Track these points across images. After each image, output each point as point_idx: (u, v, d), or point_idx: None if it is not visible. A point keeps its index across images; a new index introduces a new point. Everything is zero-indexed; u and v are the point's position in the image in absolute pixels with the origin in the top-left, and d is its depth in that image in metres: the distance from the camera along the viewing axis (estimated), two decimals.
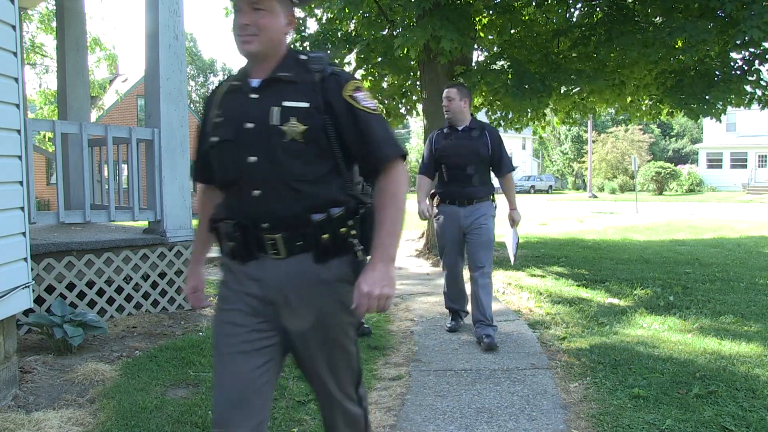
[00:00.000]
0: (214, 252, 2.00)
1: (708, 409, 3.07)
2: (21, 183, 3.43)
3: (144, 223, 5.65)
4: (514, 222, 4.65)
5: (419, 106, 10.34)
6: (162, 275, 5.18)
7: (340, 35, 9.42)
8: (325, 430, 1.98)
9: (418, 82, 9.79)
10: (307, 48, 9.60)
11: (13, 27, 3.36)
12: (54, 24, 9.92)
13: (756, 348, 4.13)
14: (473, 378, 3.74)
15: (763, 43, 7.44)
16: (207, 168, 1.88)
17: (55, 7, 8.01)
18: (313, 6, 9.57)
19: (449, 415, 3.17)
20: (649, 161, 41.09)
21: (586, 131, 42.37)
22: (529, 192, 41.44)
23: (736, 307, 5.49)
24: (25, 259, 3.46)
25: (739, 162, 40.13)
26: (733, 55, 8.09)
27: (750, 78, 7.85)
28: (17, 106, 3.40)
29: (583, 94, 9.04)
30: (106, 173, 5.94)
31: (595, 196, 35.92)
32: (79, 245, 4.67)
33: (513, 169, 4.63)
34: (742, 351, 4.06)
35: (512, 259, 5.04)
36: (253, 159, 1.69)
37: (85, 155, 5.05)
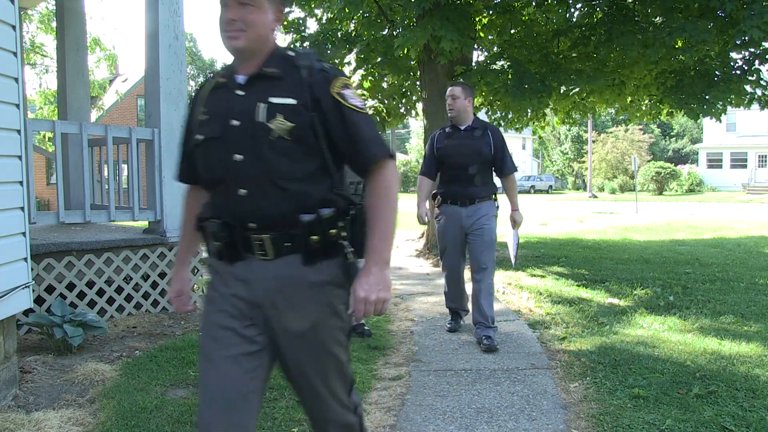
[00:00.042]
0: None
1: (708, 409, 3.07)
2: (21, 183, 3.43)
3: (144, 223, 5.65)
4: (515, 223, 4.60)
5: (419, 106, 10.35)
6: (162, 275, 5.18)
7: (340, 35, 9.42)
8: None
9: (418, 82, 9.79)
10: (307, 48, 9.60)
11: (13, 27, 3.36)
12: (54, 24, 9.92)
13: (756, 348, 4.13)
14: (473, 378, 3.74)
15: (763, 43, 7.44)
16: (192, 167, 1.83)
17: (55, 7, 8.01)
18: (313, 6, 9.58)
19: (449, 415, 3.17)
20: (649, 161, 41.09)
21: (586, 131, 42.37)
22: (529, 192, 41.43)
23: (736, 307, 5.49)
24: (25, 259, 3.46)
25: (739, 162, 40.13)
26: (733, 55, 8.09)
27: (750, 78, 7.86)
28: (17, 106, 3.40)
29: (582, 94, 9.03)
30: (106, 173, 5.94)
31: (595, 196, 35.92)
32: (79, 245, 4.67)
33: (516, 169, 4.59)
34: (742, 351, 4.06)
35: (513, 260, 5.04)
36: (239, 157, 1.65)
37: (85, 155, 5.05)
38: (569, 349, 4.23)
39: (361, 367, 3.94)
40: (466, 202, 4.39)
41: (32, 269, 3.95)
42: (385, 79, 10.15)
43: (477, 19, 8.72)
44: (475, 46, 8.85)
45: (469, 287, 4.63)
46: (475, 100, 9.18)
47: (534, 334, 4.71)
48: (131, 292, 4.99)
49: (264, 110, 1.64)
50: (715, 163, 41.34)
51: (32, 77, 30.54)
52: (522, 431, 2.97)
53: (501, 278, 6.96)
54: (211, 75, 1.85)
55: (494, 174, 4.53)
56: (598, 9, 8.33)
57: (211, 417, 1.68)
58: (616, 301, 5.81)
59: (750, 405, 3.10)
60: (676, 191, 37.70)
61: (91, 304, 4.69)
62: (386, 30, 8.95)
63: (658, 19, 8.14)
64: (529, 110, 8.93)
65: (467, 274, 4.67)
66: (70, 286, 4.60)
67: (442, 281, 4.86)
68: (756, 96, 8.08)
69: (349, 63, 9.96)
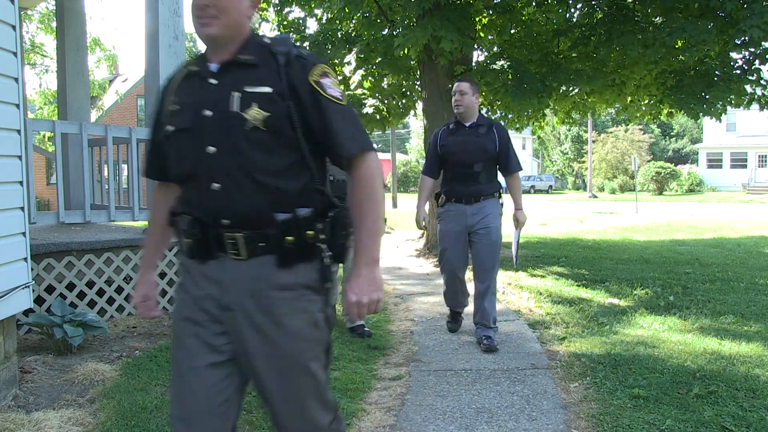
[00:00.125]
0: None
1: (708, 409, 3.06)
2: (21, 183, 3.42)
3: (144, 223, 5.65)
4: (518, 222, 4.50)
5: (419, 106, 10.35)
6: (162, 275, 5.18)
7: (340, 35, 9.42)
8: None
9: (418, 82, 9.79)
10: (307, 49, 9.59)
11: (13, 27, 3.36)
12: (54, 24, 9.92)
13: (756, 348, 4.13)
14: (473, 378, 3.74)
15: (763, 43, 7.44)
16: (161, 162, 1.72)
17: (55, 7, 8.01)
18: (313, 6, 9.59)
19: (449, 415, 3.17)
20: (649, 161, 41.10)
21: (586, 131, 42.38)
22: (529, 192, 41.41)
23: (736, 307, 5.49)
24: (25, 259, 3.46)
25: (739, 162, 40.13)
26: (733, 55, 8.10)
27: (750, 78, 7.86)
28: (17, 106, 3.40)
29: (582, 94, 9.04)
30: (106, 173, 5.94)
31: (595, 196, 35.93)
32: (79, 245, 4.67)
33: (520, 168, 4.50)
34: (742, 351, 4.06)
35: (515, 259, 5.02)
36: (212, 149, 1.56)
37: (85, 155, 5.05)
38: (569, 349, 4.23)
39: (361, 367, 3.94)
40: (471, 200, 4.29)
41: (32, 269, 3.95)
42: (385, 79, 10.16)
43: (477, 19, 8.72)
44: (475, 46, 8.86)
45: (469, 286, 4.61)
46: None
47: (534, 334, 4.71)
48: (131, 292, 4.99)
49: (238, 99, 1.55)
50: (715, 163, 41.34)
51: (32, 77, 30.58)
52: (522, 431, 2.97)
53: (501, 278, 6.96)
54: (183, 63, 1.75)
55: (498, 172, 4.45)
56: (598, 9, 8.34)
57: (182, 431, 1.63)
58: (616, 301, 5.81)
59: (750, 405, 3.10)
60: (676, 191, 37.70)
61: (91, 304, 4.69)
62: (386, 30, 8.95)
63: (658, 19, 8.15)
64: (529, 110, 8.93)
65: (467, 274, 4.62)
66: (70, 286, 4.60)
67: (442, 281, 4.72)
68: (756, 96, 8.09)
69: (349, 63, 9.97)
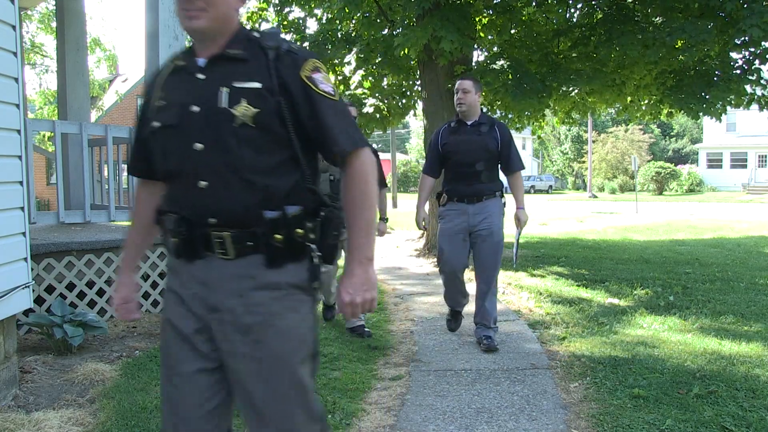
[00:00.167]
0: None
1: (708, 409, 3.06)
2: (21, 183, 3.43)
3: None
4: (519, 221, 4.38)
5: (419, 106, 10.35)
6: (162, 275, 5.18)
7: (340, 35, 9.43)
8: None
9: (418, 82, 9.79)
10: (307, 49, 9.59)
11: (13, 27, 3.36)
12: (54, 24, 9.92)
13: (756, 348, 4.13)
14: (473, 378, 3.74)
15: (763, 43, 7.45)
16: (146, 158, 1.68)
17: (55, 7, 8.01)
18: (313, 6, 9.59)
19: (449, 415, 3.17)
20: (649, 161, 41.10)
21: (586, 131, 42.38)
22: (529, 192, 41.41)
23: (736, 307, 5.49)
24: (25, 259, 3.46)
25: (739, 162, 40.13)
26: (733, 55, 8.10)
27: (750, 78, 7.86)
28: (17, 106, 3.40)
29: (582, 94, 9.05)
30: (106, 173, 5.94)
31: (595, 196, 35.93)
32: (79, 245, 4.67)
33: (523, 167, 4.43)
34: (742, 351, 4.06)
35: (515, 259, 5.00)
36: (199, 146, 1.52)
37: (85, 155, 5.05)
38: (569, 349, 4.23)
39: (361, 367, 3.94)
40: (473, 199, 4.22)
41: (32, 269, 3.95)
42: (385, 79, 10.16)
43: (477, 19, 8.72)
44: (475, 46, 8.86)
45: (469, 286, 4.58)
46: None
47: (534, 334, 4.71)
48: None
49: (226, 95, 1.51)
50: (715, 163, 41.34)
51: (32, 77, 30.59)
52: (522, 431, 2.97)
53: (501, 278, 6.95)
54: (170, 58, 1.70)
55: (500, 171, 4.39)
56: (598, 9, 8.34)
57: None
58: (616, 301, 5.81)
59: (750, 405, 3.10)
60: (676, 191, 37.70)
61: (91, 304, 4.69)
62: (386, 30, 8.95)
63: (658, 19, 8.15)
64: (529, 111, 8.93)
65: (468, 274, 4.59)
66: (70, 286, 4.60)
67: (441, 281, 4.63)
68: (755, 97, 8.09)
69: (349, 63, 9.97)
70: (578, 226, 15.59)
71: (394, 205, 24.73)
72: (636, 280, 6.83)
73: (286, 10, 9.88)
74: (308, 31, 9.88)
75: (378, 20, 8.88)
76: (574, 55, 8.48)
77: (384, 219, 4.92)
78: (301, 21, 9.99)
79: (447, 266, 4.34)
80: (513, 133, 7.11)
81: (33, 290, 3.82)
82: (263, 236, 1.52)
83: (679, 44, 7.54)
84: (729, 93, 7.84)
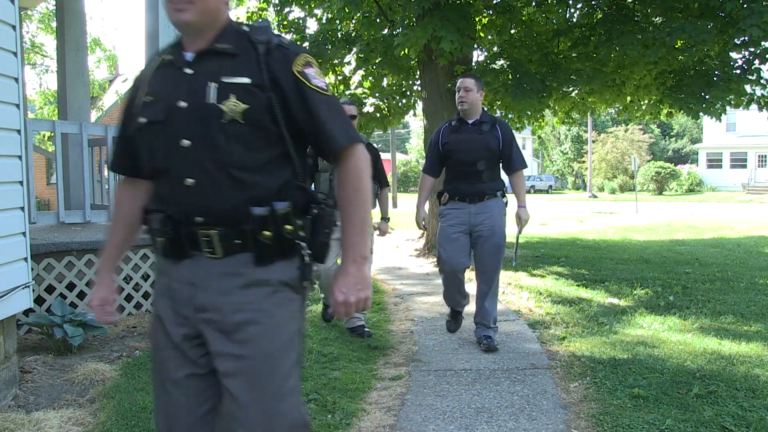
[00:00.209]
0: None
1: (708, 409, 3.07)
2: (21, 183, 3.43)
3: None
4: (521, 220, 4.30)
5: (419, 106, 10.35)
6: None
7: (340, 35, 9.43)
8: None
9: (418, 82, 9.79)
10: (307, 49, 9.59)
11: (13, 27, 3.36)
12: (54, 24, 9.93)
13: (756, 348, 4.13)
14: (473, 378, 3.74)
15: (763, 42, 7.45)
16: (131, 156, 1.63)
17: (55, 7, 8.01)
18: (313, 6, 9.59)
19: (449, 415, 3.17)
20: (649, 161, 41.09)
21: (586, 131, 42.38)
22: (529, 192, 41.37)
23: (736, 307, 5.49)
24: (25, 259, 3.46)
25: (739, 162, 40.13)
26: (733, 54, 8.10)
27: (750, 77, 7.86)
28: (17, 106, 3.40)
29: (582, 94, 9.05)
30: (106, 173, 5.95)
31: (595, 196, 35.93)
32: (79, 245, 4.67)
33: (525, 165, 4.37)
34: (742, 351, 4.06)
35: (514, 258, 4.98)
36: (186, 143, 1.48)
37: (85, 155, 5.05)
38: (569, 349, 4.23)
39: (361, 367, 3.94)
40: (474, 198, 4.16)
41: (32, 269, 3.95)
42: (385, 78, 10.17)
43: (477, 19, 8.72)
44: (475, 46, 8.86)
45: (469, 286, 4.54)
46: None
47: (534, 334, 4.71)
48: (131, 292, 4.99)
49: (215, 90, 1.48)
50: (715, 163, 41.34)
51: (32, 77, 30.56)
52: (522, 431, 2.97)
53: (501, 278, 6.92)
54: (158, 52, 1.67)
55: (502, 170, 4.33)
56: (597, 9, 8.34)
57: None
58: (616, 301, 5.81)
59: (750, 405, 3.10)
60: (676, 191, 37.70)
61: None
62: (386, 30, 8.95)
63: (658, 19, 8.15)
64: (529, 111, 8.93)
65: (468, 273, 4.55)
66: (70, 286, 4.60)
67: (441, 281, 4.54)
68: (755, 97, 8.09)
69: (349, 63, 9.97)
70: (578, 226, 15.59)
71: (394, 205, 24.71)
72: (636, 280, 6.83)
73: (286, 10, 9.88)
74: (308, 31, 9.88)
75: (378, 20, 8.88)
76: (574, 55, 8.48)
77: (386, 219, 4.90)
78: (301, 21, 9.99)
79: (447, 265, 4.27)
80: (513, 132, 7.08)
81: (33, 290, 3.82)
82: (251, 233, 1.49)
83: (679, 44, 7.54)
84: (729, 93, 7.84)
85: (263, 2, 10.01)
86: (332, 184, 4.37)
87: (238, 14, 10.48)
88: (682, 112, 8.58)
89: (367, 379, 3.72)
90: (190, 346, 1.55)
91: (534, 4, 8.57)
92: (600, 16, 8.18)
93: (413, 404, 3.32)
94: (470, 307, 4.54)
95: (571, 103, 9.70)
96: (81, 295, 4.65)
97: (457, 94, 4.25)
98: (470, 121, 4.24)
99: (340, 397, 3.32)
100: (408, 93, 10.26)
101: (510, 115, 9.52)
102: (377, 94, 10.15)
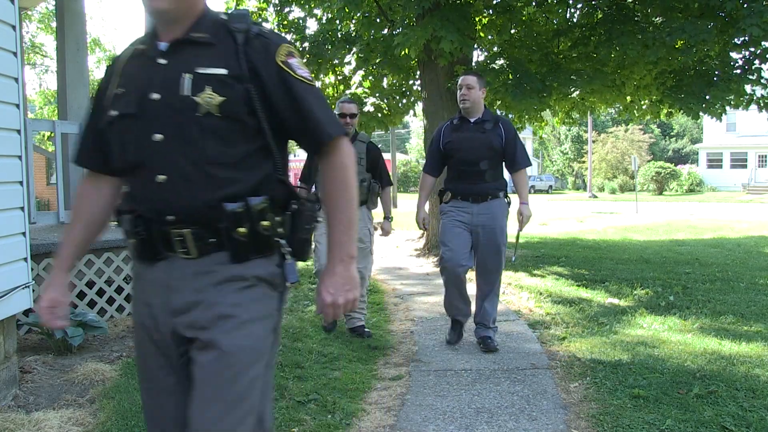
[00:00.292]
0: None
1: (708, 409, 3.06)
2: (21, 183, 3.43)
3: None
4: (523, 217, 4.22)
5: (418, 106, 10.35)
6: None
7: (340, 35, 9.43)
8: None
9: (417, 82, 9.79)
10: (307, 49, 9.61)
11: (13, 27, 3.36)
12: (54, 24, 9.93)
13: (756, 348, 4.13)
14: (473, 378, 3.74)
15: (763, 42, 7.45)
16: (101, 150, 1.55)
17: (55, 7, 8.01)
18: (313, 6, 9.59)
19: (449, 415, 3.17)
20: (649, 161, 41.09)
21: (586, 131, 42.37)
22: (529, 192, 41.12)
23: (736, 307, 5.49)
24: (25, 259, 3.46)
25: (739, 162, 40.12)
26: (733, 54, 8.11)
27: (750, 77, 7.86)
28: (17, 106, 3.40)
29: (583, 94, 9.05)
30: None
31: (595, 196, 35.92)
32: None
33: (529, 164, 4.31)
34: (742, 351, 4.06)
35: (513, 256, 4.95)
36: (159, 137, 1.41)
37: None
38: (569, 349, 4.23)
39: (361, 367, 3.94)
40: (478, 198, 4.09)
41: (32, 269, 3.95)
42: (385, 78, 10.17)
43: (477, 19, 8.72)
44: (475, 46, 8.86)
45: (470, 287, 4.47)
46: None
47: (534, 334, 4.71)
48: (131, 292, 4.98)
49: (189, 82, 1.41)
50: (715, 163, 41.34)
51: (32, 77, 30.55)
52: (522, 431, 2.97)
53: (501, 278, 6.96)
54: (131, 42, 1.58)
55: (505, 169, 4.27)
56: (598, 9, 8.34)
57: None
58: (616, 301, 5.81)
59: (750, 405, 3.10)
60: (676, 191, 37.70)
61: (91, 304, 4.69)
62: (386, 30, 8.96)
63: (658, 19, 8.15)
64: (528, 112, 8.92)
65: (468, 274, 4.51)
66: (70, 286, 4.60)
67: (441, 281, 4.44)
68: (755, 98, 8.09)
69: (349, 63, 9.98)
70: (578, 226, 15.59)
71: (394, 205, 24.75)
72: (636, 280, 6.83)
73: (286, 10, 9.89)
74: (308, 31, 9.88)
75: (378, 20, 8.89)
76: (574, 55, 8.48)
77: (389, 218, 4.88)
78: (301, 21, 9.99)
79: (449, 262, 4.15)
80: None
81: (33, 290, 3.82)
82: (225, 231, 1.42)
83: (679, 44, 7.54)
84: (729, 93, 7.85)
85: (263, 2, 10.01)
86: None
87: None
88: (682, 112, 8.58)
89: (367, 379, 3.72)
90: (175, 354, 1.49)
91: (534, 4, 8.57)
92: (600, 16, 8.18)
93: (413, 404, 3.32)
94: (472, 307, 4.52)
95: (571, 103, 9.71)
96: (81, 295, 4.65)
97: (458, 92, 4.18)
98: (472, 120, 4.17)
99: (340, 397, 3.32)
100: (408, 93, 10.26)
101: (510, 115, 9.53)
102: (377, 94, 10.16)
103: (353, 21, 9.35)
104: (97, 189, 1.62)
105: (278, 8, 9.85)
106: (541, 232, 13.60)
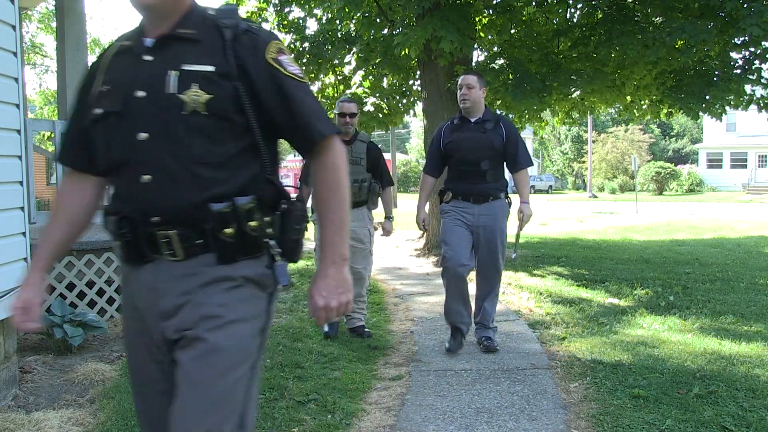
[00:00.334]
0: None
1: (708, 409, 3.06)
2: (21, 183, 3.43)
3: None
4: (524, 215, 4.18)
5: (418, 106, 10.35)
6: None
7: (340, 35, 9.43)
8: None
9: (418, 82, 9.79)
10: (307, 49, 9.61)
11: (13, 27, 3.36)
12: (54, 24, 9.93)
13: (756, 348, 4.13)
14: (473, 378, 3.74)
15: (763, 42, 7.45)
16: (85, 148, 1.51)
17: (55, 7, 8.01)
18: (313, 6, 9.60)
19: (449, 415, 3.17)
20: (649, 161, 41.09)
21: (586, 131, 42.37)
22: (529, 192, 41.27)
23: (736, 307, 5.49)
24: (25, 259, 3.46)
25: (739, 162, 40.12)
26: (733, 54, 8.11)
27: (750, 77, 7.87)
28: (17, 106, 3.40)
29: (583, 94, 9.05)
30: None
31: (595, 196, 35.92)
32: (79, 245, 4.66)
33: (531, 163, 4.27)
34: (742, 351, 4.06)
35: (513, 254, 4.94)
36: (144, 136, 1.38)
37: None
38: (569, 349, 4.23)
39: (361, 367, 3.94)
40: (479, 199, 4.05)
41: None
42: (385, 78, 10.17)
43: (477, 19, 8.72)
44: (475, 46, 8.86)
45: (469, 287, 4.44)
46: None
47: (534, 334, 4.71)
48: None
49: (175, 79, 1.37)
50: (715, 163, 41.33)
51: (32, 77, 30.56)
52: (522, 431, 2.97)
53: (501, 278, 6.96)
54: (117, 38, 1.54)
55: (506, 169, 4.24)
56: (598, 9, 8.34)
57: None
58: (616, 301, 5.81)
59: (750, 405, 3.10)
60: (676, 191, 37.69)
61: (91, 304, 4.69)
62: (386, 30, 8.96)
63: (658, 19, 8.16)
64: (528, 112, 8.92)
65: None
66: (70, 286, 4.60)
67: (441, 281, 4.37)
68: (755, 98, 8.10)
69: (349, 63, 9.98)
70: (578, 226, 15.59)
71: (394, 205, 24.73)
72: (636, 280, 6.83)
73: (286, 10, 9.89)
74: (308, 31, 9.89)
75: (378, 20, 8.89)
76: (574, 55, 8.48)
77: (390, 218, 4.87)
78: (301, 21, 9.99)
79: (451, 262, 4.07)
80: None
81: None
82: (212, 232, 1.39)
83: (679, 44, 7.55)
84: (729, 93, 7.85)
85: (263, 2, 10.01)
86: None
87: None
88: (682, 112, 8.59)
89: (367, 379, 3.72)
90: (167, 359, 1.44)
91: (534, 4, 8.57)
92: (600, 16, 8.19)
93: (413, 404, 3.32)
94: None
95: (571, 103, 9.71)
96: (81, 295, 4.65)
97: (459, 91, 4.15)
98: (473, 120, 4.13)
99: (340, 397, 3.32)
100: (408, 93, 10.27)
101: (510, 115, 9.53)
102: (377, 94, 10.16)
103: (353, 21, 9.35)
104: (79, 188, 1.59)
105: (278, 8, 9.85)
106: (541, 232, 13.60)
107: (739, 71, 7.95)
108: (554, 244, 10.96)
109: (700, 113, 8.25)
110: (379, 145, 4.94)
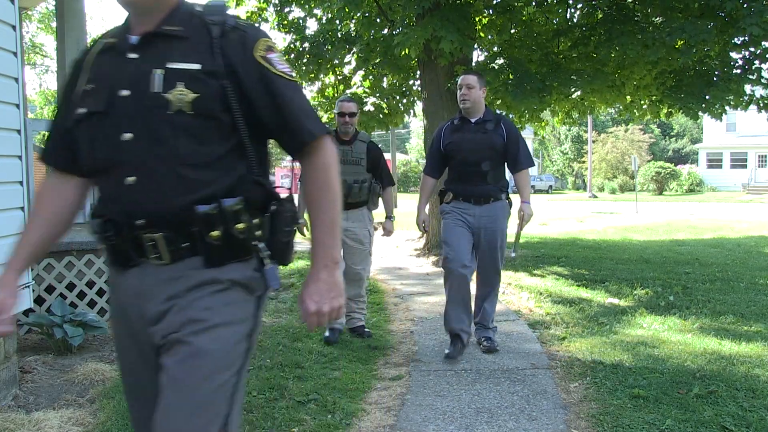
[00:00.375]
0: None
1: (708, 409, 3.07)
2: (21, 183, 3.43)
3: None
4: (524, 214, 4.13)
5: (418, 106, 10.36)
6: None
7: (340, 35, 9.43)
8: None
9: (418, 82, 9.79)
10: (307, 49, 9.61)
11: (13, 27, 3.36)
12: (54, 24, 9.93)
13: (756, 348, 4.13)
14: (473, 378, 3.74)
15: (763, 42, 7.45)
16: (68, 148, 1.47)
17: (55, 7, 8.02)
18: (313, 6, 9.60)
19: (449, 415, 3.17)
20: (649, 161, 41.08)
21: (586, 131, 42.37)
22: (530, 192, 41.28)
23: (736, 307, 5.49)
24: None
25: (739, 162, 40.12)
26: (733, 54, 8.11)
27: (750, 77, 7.87)
28: (17, 106, 3.40)
29: (583, 94, 9.05)
30: None
31: (595, 196, 35.92)
32: (79, 245, 4.66)
33: (532, 164, 4.24)
34: (742, 351, 4.06)
35: (513, 253, 4.93)
36: (128, 136, 1.34)
37: None
38: (569, 349, 4.23)
39: (361, 367, 3.94)
40: (480, 200, 4.03)
41: (32, 269, 3.95)
42: (385, 78, 10.17)
43: (477, 19, 8.72)
44: (475, 46, 8.86)
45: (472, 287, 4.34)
46: None
47: (534, 334, 4.71)
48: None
49: (160, 78, 1.33)
50: (715, 163, 41.33)
51: (32, 77, 30.58)
52: (522, 431, 2.97)
53: (501, 278, 6.95)
54: (101, 35, 1.51)
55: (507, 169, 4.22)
56: (598, 9, 8.35)
57: None
58: (616, 301, 5.81)
59: (750, 405, 3.10)
60: (676, 191, 37.69)
61: (91, 304, 4.69)
62: (386, 30, 8.96)
63: (658, 19, 8.16)
64: (528, 111, 8.93)
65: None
66: (70, 286, 4.60)
67: (442, 281, 4.34)
68: (755, 98, 8.10)
69: (349, 63, 9.98)
70: (578, 226, 15.58)
71: (394, 205, 24.73)
72: (636, 280, 6.83)
73: (286, 9, 9.89)
74: (308, 31, 9.89)
75: (378, 20, 8.89)
76: (574, 55, 8.48)
77: (391, 218, 4.86)
78: (300, 21, 9.99)
79: (452, 263, 4.01)
80: None
81: (33, 290, 3.82)
82: (198, 234, 1.35)
83: (679, 44, 7.55)
84: (729, 93, 7.85)
85: (263, 2, 10.01)
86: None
87: (237, 14, 10.50)
88: (682, 112, 8.59)
89: (367, 379, 3.72)
90: (156, 363, 1.41)
91: (534, 4, 8.57)
92: (600, 16, 8.19)
93: (413, 404, 3.32)
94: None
95: (571, 103, 9.71)
96: (81, 295, 4.65)
97: (459, 91, 4.11)
98: (473, 120, 4.10)
99: (340, 397, 3.32)
100: (408, 93, 10.27)
101: (510, 115, 9.54)
102: (377, 94, 10.16)
103: (353, 21, 9.35)
104: (60, 188, 1.54)
105: (278, 8, 9.85)
106: (541, 232, 13.59)
107: (739, 71, 7.95)
108: (554, 244, 10.96)
109: (700, 113, 8.25)
110: (379, 145, 4.93)
